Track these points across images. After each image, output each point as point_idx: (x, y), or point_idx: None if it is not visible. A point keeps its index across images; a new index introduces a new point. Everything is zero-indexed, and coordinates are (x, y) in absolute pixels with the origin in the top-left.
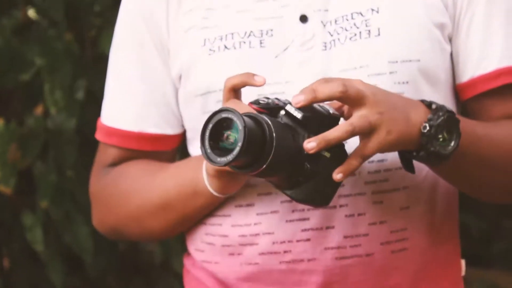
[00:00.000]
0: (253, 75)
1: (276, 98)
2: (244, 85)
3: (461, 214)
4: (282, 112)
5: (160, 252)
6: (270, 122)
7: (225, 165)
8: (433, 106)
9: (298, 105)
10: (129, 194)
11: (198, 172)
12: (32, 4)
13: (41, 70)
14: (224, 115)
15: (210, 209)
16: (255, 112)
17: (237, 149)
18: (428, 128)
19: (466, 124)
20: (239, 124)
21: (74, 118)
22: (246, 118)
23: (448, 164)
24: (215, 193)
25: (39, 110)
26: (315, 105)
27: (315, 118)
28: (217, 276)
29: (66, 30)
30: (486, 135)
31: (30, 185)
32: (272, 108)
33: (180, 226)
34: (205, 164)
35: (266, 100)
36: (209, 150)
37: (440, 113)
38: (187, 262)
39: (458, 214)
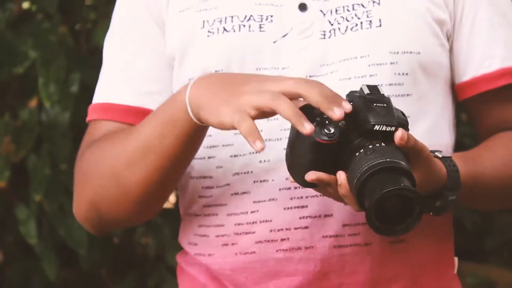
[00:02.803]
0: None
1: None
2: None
3: (455, 208)
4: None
5: (154, 245)
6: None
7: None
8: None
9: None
10: (104, 152)
11: (177, 98)
12: None
13: (35, 63)
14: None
15: (190, 143)
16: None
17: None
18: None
19: (470, 170)
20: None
21: (68, 111)
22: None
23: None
24: (194, 119)
25: (33, 103)
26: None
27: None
28: (211, 268)
29: (61, 23)
30: (490, 169)
31: (24, 178)
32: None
33: (160, 175)
34: (188, 91)
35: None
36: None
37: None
38: (180, 259)
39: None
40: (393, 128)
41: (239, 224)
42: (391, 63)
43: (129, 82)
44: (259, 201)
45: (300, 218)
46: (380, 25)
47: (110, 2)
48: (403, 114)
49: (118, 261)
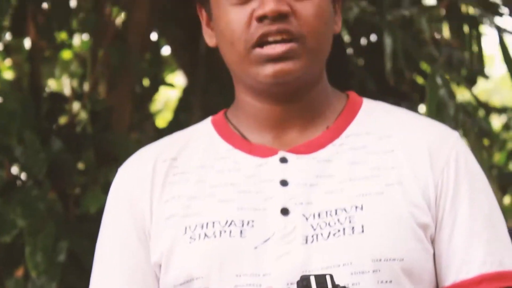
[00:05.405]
0: None
1: None
2: None
3: None
4: None
5: None
6: None
7: None
8: None
9: None
10: None
11: None
12: (16, 161)
13: (23, 232)
14: None
15: None
16: None
17: None
18: None
19: None
20: None
21: (55, 281)
22: None
23: None
24: None
25: (19, 273)
26: None
27: None
28: None
29: (50, 189)
30: None
31: None
32: None
33: None
34: None
35: None
36: None
37: None
38: None
39: None
40: None
41: None
42: (373, 271)
43: None
44: None
45: None
46: (363, 231)
47: (100, 167)
48: None
49: None
